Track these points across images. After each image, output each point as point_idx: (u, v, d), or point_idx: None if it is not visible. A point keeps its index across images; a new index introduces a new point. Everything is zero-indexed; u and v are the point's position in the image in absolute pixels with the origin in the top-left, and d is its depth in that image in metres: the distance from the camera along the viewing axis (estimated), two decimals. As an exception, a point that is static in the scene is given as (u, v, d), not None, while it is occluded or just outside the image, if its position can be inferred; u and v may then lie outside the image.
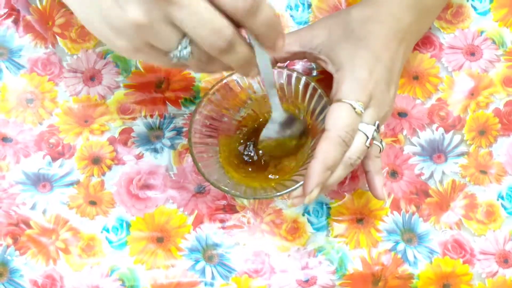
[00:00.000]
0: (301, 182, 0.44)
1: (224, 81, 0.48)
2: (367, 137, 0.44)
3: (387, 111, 0.46)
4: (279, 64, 0.49)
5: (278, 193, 0.45)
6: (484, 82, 0.55)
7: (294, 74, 0.48)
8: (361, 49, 0.45)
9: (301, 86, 0.48)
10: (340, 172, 0.44)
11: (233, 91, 0.49)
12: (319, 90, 0.47)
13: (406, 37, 0.48)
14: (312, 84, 0.47)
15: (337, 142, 0.43)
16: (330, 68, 0.47)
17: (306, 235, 0.52)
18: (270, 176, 0.49)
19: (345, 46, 0.46)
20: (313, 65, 0.54)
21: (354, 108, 0.43)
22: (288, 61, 0.51)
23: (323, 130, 0.45)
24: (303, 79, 0.47)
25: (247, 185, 0.48)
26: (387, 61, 0.46)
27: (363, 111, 0.44)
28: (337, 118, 0.43)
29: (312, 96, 0.48)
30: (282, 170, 0.49)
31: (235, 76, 0.49)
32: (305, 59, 0.54)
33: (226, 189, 0.45)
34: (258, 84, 0.50)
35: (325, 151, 0.43)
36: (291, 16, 0.55)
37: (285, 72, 0.48)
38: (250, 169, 0.50)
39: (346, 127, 0.43)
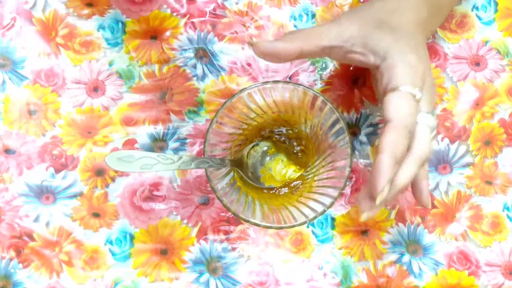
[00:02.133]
0: (330, 202, 0.44)
1: (227, 104, 0.48)
2: (430, 128, 0.43)
3: (435, 100, 0.45)
4: (283, 80, 0.49)
5: (308, 219, 0.44)
6: (489, 92, 0.55)
7: (301, 88, 0.47)
8: (401, 35, 0.44)
9: (309, 99, 0.48)
10: (414, 170, 0.42)
11: (237, 108, 0.49)
12: (329, 104, 0.46)
13: (425, 31, 0.47)
14: (321, 97, 0.46)
15: (404, 133, 0.40)
16: (371, 59, 0.45)
17: (310, 247, 0.52)
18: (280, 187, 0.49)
19: (383, 35, 0.44)
20: (317, 76, 0.54)
21: (414, 95, 0.42)
22: (291, 74, 0.51)
23: (332, 145, 0.45)
24: (310, 92, 0.47)
25: (269, 204, 0.47)
26: (425, 48, 0.45)
27: (421, 96, 0.42)
28: (399, 107, 0.41)
29: (321, 109, 0.47)
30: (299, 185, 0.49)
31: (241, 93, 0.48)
32: (311, 70, 0.54)
33: (257, 222, 0.44)
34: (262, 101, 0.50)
35: (393, 142, 0.40)
36: (295, 26, 0.55)
37: (291, 86, 0.48)
38: (267, 186, 0.50)
39: (410, 116, 0.41)
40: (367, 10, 0.47)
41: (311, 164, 0.50)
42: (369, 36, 0.44)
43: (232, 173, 0.49)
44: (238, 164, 0.48)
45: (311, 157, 0.50)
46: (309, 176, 0.50)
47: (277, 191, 0.50)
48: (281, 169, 0.50)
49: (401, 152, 0.40)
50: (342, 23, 0.46)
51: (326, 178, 0.47)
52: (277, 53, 0.44)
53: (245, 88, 0.47)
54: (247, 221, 0.44)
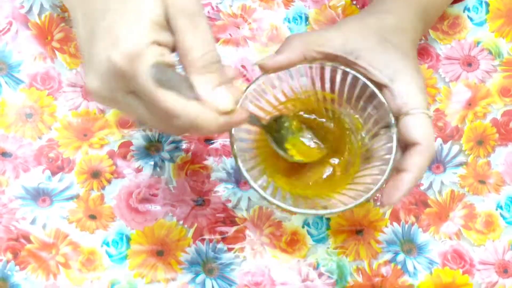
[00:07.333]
0: (371, 193, 0.42)
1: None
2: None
3: None
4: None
5: (352, 205, 0.42)
6: (481, 92, 0.55)
7: (341, 67, 0.45)
8: (407, 56, 0.45)
9: (349, 82, 0.45)
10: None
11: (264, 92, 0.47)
12: (371, 87, 0.44)
13: (416, 44, 0.48)
14: (362, 79, 0.44)
15: (430, 156, 0.43)
16: (377, 77, 0.44)
17: (306, 247, 0.52)
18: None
19: (389, 54, 0.44)
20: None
21: (430, 116, 0.43)
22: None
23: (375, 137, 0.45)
24: (351, 72, 0.44)
25: (298, 194, 0.46)
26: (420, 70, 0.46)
27: (432, 115, 0.45)
28: (426, 130, 0.43)
29: (360, 95, 0.45)
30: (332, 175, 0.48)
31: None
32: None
33: (290, 207, 0.42)
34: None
35: (419, 165, 0.42)
36: (289, 28, 0.56)
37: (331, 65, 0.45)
38: (296, 174, 0.48)
39: (433, 139, 0.43)
40: (368, 22, 0.46)
41: (351, 157, 0.48)
42: (375, 54, 0.44)
43: (257, 158, 0.47)
44: (269, 130, 0.46)
45: (347, 145, 0.48)
46: (350, 169, 0.48)
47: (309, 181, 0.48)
48: (306, 147, 0.48)
49: (424, 172, 0.43)
50: (344, 32, 0.45)
51: (368, 174, 0.46)
52: (282, 66, 0.45)
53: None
54: (280, 207, 0.43)
